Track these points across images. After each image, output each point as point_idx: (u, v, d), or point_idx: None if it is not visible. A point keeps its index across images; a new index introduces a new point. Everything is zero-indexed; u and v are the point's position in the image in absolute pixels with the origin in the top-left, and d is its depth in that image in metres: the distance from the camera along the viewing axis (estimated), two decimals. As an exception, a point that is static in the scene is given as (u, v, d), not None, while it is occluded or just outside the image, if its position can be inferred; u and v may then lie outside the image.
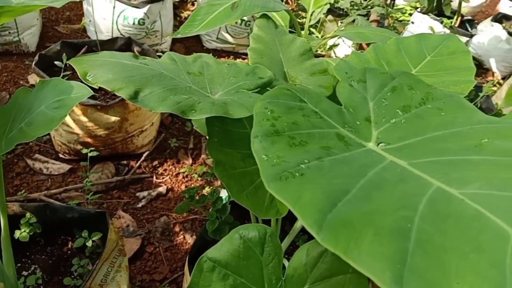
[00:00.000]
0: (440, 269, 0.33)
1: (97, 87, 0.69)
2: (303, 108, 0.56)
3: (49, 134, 1.65)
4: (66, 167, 1.61)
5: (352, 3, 2.00)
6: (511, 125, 0.50)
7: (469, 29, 2.96)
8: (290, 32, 1.29)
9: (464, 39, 2.82)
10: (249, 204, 0.77)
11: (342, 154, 0.49)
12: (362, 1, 2.06)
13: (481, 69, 3.25)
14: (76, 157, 1.62)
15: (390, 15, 2.14)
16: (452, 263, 0.33)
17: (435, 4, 2.30)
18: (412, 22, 2.63)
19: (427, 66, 0.99)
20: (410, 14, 3.13)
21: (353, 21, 1.81)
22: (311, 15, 2.38)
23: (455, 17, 2.84)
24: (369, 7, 1.95)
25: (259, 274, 0.55)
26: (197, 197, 1.01)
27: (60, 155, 1.64)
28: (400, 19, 3.37)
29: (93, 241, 1.05)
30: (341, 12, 2.33)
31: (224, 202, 1.07)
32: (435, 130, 0.51)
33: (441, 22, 2.74)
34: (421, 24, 2.79)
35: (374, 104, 0.58)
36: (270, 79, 0.80)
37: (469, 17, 3.12)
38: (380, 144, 0.53)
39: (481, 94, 2.09)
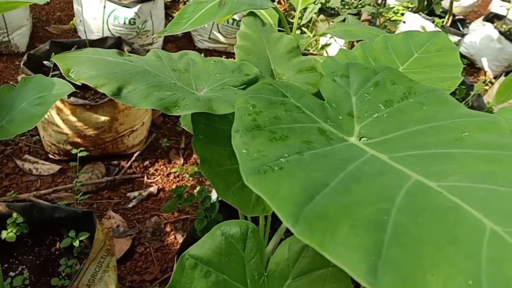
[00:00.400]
0: (415, 260, 0.32)
1: (80, 84, 0.68)
2: (285, 103, 0.55)
3: (38, 134, 1.64)
4: (56, 167, 1.60)
5: (343, 3, 2.01)
6: (493, 118, 0.50)
7: (461, 28, 2.98)
8: (280, 31, 1.29)
9: (455, 38, 2.83)
10: (235, 202, 0.77)
11: (323, 148, 0.48)
12: (353, 1, 2.07)
13: (473, 68, 3.26)
14: (66, 158, 1.61)
15: (382, 14, 2.15)
16: (428, 255, 0.33)
17: (425, 3, 2.30)
18: (404, 22, 2.64)
19: (414, 63, 1.00)
20: (403, 14, 3.15)
21: (344, 20, 1.81)
22: (300, 13, 2.38)
23: (447, 16, 2.85)
24: (360, 6, 1.95)
25: (242, 270, 0.55)
26: (185, 196, 1.00)
27: (50, 156, 1.63)
28: (392, 19, 3.39)
29: (81, 241, 1.04)
30: (332, 11, 2.34)
31: (214, 201, 1.07)
32: (416, 124, 0.51)
33: (433, 22, 2.75)
34: (413, 23, 2.80)
35: (356, 99, 0.58)
36: (256, 76, 0.80)
37: (461, 17, 3.13)
38: (362, 139, 0.53)
39: (472, 93, 2.09)
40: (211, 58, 0.86)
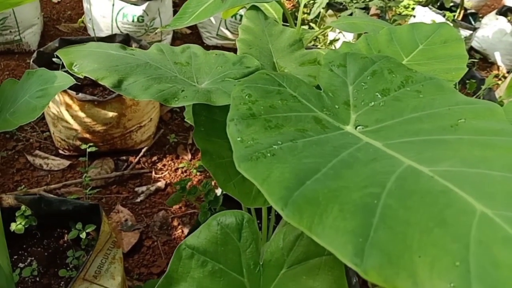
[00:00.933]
0: (402, 242, 0.32)
1: (81, 77, 0.69)
2: (281, 93, 0.55)
3: (49, 130, 1.67)
4: (66, 163, 1.62)
5: (351, -3, 1.99)
6: (489, 105, 0.50)
7: (473, 22, 2.93)
8: (285, 25, 1.29)
9: (467, 32, 2.79)
10: (236, 194, 0.77)
11: (317, 136, 0.48)
12: (361, -6, 2.05)
13: (486, 63, 3.21)
14: (75, 153, 1.63)
15: (392, 8, 2.13)
16: (415, 237, 0.33)
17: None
18: (414, 16, 2.61)
19: (419, 55, 0.98)
20: (413, 9, 3.11)
21: (351, 14, 1.80)
22: (308, 8, 2.37)
23: (458, 10, 2.81)
24: (368, 0, 1.94)
25: (237, 259, 0.55)
26: (188, 189, 1.01)
27: (60, 151, 1.66)
28: (403, 13, 3.35)
29: (88, 234, 1.06)
30: (341, 6, 2.32)
31: (219, 194, 1.08)
32: (412, 112, 0.51)
33: (444, 16, 2.71)
34: (423, 17, 2.76)
35: (353, 88, 0.58)
36: (257, 68, 0.80)
37: (473, 11, 3.08)
38: (358, 127, 0.52)
39: (483, 87, 2.06)
40: (213, 52, 0.87)
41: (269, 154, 0.43)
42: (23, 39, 2.05)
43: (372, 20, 1.21)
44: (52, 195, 1.42)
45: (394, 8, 3.27)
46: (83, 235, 1.01)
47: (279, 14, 1.24)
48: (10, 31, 1.99)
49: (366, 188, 0.38)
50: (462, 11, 2.85)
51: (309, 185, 0.38)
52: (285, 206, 0.36)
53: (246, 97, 0.53)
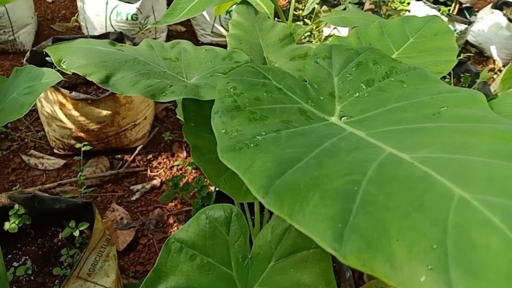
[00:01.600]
0: (380, 227, 0.33)
1: (70, 73, 0.69)
2: (266, 85, 0.55)
3: (43, 130, 1.67)
4: (61, 162, 1.62)
5: (344, -8, 1.99)
6: (472, 93, 0.50)
7: (468, 16, 2.93)
8: (278, 21, 1.28)
9: (462, 26, 2.80)
10: (227, 188, 0.77)
11: (301, 127, 0.49)
12: (354, -10, 2.05)
13: (482, 57, 3.21)
14: (70, 152, 1.63)
15: (387, 3, 2.13)
16: (394, 221, 0.33)
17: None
18: (409, 11, 2.61)
19: (409, 48, 0.99)
20: (409, 3, 3.11)
21: (344, 9, 1.80)
22: (302, 3, 2.36)
23: (453, 4, 2.81)
24: (361, -5, 1.94)
25: (226, 253, 0.56)
26: (181, 185, 1.01)
27: (55, 151, 1.66)
28: (398, 8, 3.35)
29: (82, 232, 1.06)
30: (335, 2, 2.32)
31: (213, 190, 1.08)
32: (395, 102, 0.51)
33: (438, 10, 2.71)
34: (418, 12, 2.77)
35: (338, 80, 0.58)
36: (246, 63, 0.80)
37: (468, 5, 3.08)
38: (343, 118, 0.53)
39: (478, 81, 2.06)
40: (203, 47, 0.87)
41: (252, 145, 0.43)
42: (17, 39, 2.05)
43: (363, 14, 1.21)
44: (46, 194, 1.42)
45: (389, 3, 3.28)
46: (76, 233, 1.02)
47: (271, 10, 1.24)
48: (4, 31, 1.98)
49: (348, 176, 0.38)
50: (457, 5, 2.85)
51: (290, 174, 0.38)
52: (266, 194, 0.36)
53: (231, 89, 0.54)
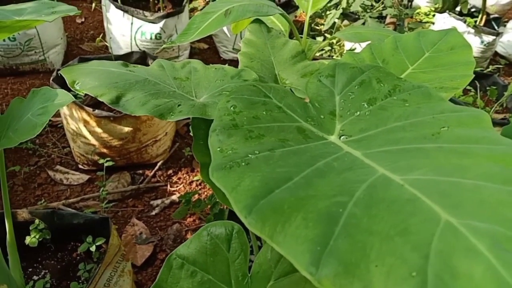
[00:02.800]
0: (360, 251, 0.32)
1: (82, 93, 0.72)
2: (266, 103, 0.56)
3: (69, 146, 1.73)
4: (85, 177, 1.67)
5: (363, 6, 1.98)
6: (476, 113, 0.48)
7: (496, 27, 2.85)
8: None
9: (490, 38, 2.72)
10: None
11: (297, 146, 0.48)
12: (374, 3, 2.04)
13: (512, 68, 3.12)
14: (94, 168, 1.68)
15: (408, 16, 2.10)
16: (375, 246, 0.32)
17: (451, 3, 2.23)
18: (433, 23, 2.57)
19: (425, 62, 0.97)
20: (434, 15, 3.06)
21: (364, 24, 1.79)
22: (323, 19, 2.37)
23: (480, 15, 2.75)
24: (382, 9, 1.92)
25: (226, 270, 0.56)
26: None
27: (80, 166, 1.71)
28: (424, 20, 3.30)
29: (100, 247, 1.08)
30: (357, 16, 2.31)
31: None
32: (396, 121, 0.50)
33: (464, 22, 2.66)
34: (444, 24, 2.72)
35: (340, 98, 0.58)
36: (255, 81, 0.81)
37: (496, 15, 3.01)
38: (342, 137, 0.52)
39: (506, 94, 2.00)
40: (212, 66, 0.88)
41: (243, 163, 0.43)
42: (47, 58, 2.15)
43: (378, 29, 1.20)
44: (69, 209, 1.46)
45: (414, 16, 3.24)
46: (93, 248, 1.04)
47: (286, 27, 1.25)
48: (35, 52, 2.08)
49: (335, 197, 0.37)
50: (485, 16, 2.78)
51: (277, 194, 0.38)
52: (249, 214, 0.36)
53: (231, 108, 0.54)
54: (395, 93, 0.56)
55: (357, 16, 2.32)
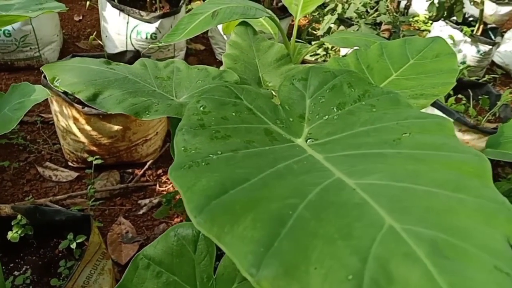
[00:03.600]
0: (302, 253, 0.32)
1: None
2: (237, 104, 0.56)
3: (59, 143, 1.73)
4: (74, 174, 1.67)
5: (358, 12, 1.99)
6: (439, 119, 0.49)
7: (493, 37, 2.86)
8: (297, 41, 1.28)
9: (486, 47, 2.73)
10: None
11: (261, 148, 0.49)
12: (369, 10, 2.04)
13: (509, 78, 3.12)
14: (83, 165, 1.68)
15: (403, 23, 2.11)
16: (317, 248, 0.32)
17: (445, 11, 2.23)
18: (429, 31, 2.57)
19: (408, 69, 0.97)
20: (432, 23, 3.07)
21: (358, 30, 1.79)
22: (317, 22, 2.37)
23: (477, 25, 2.76)
24: (376, 15, 1.93)
25: (192, 272, 0.56)
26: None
27: (69, 163, 1.71)
28: (422, 28, 3.31)
29: (82, 244, 1.08)
30: (352, 22, 2.32)
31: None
32: (361, 126, 0.51)
33: (461, 30, 2.66)
34: (440, 33, 2.72)
35: (311, 102, 0.58)
36: (236, 83, 0.81)
37: (493, 25, 3.01)
38: (309, 140, 0.52)
39: (498, 103, 2.00)
40: (196, 66, 0.88)
41: (203, 163, 0.43)
42: (43, 55, 2.15)
43: (366, 35, 1.20)
44: (56, 206, 1.46)
45: (412, 24, 3.24)
46: (73, 245, 1.04)
47: (275, 30, 1.25)
48: (30, 48, 2.09)
49: (286, 199, 0.38)
50: (482, 26, 2.79)
51: (231, 194, 0.38)
52: (199, 214, 0.36)
53: (201, 108, 0.54)
54: (364, 98, 0.56)
55: (352, 22, 2.33)
